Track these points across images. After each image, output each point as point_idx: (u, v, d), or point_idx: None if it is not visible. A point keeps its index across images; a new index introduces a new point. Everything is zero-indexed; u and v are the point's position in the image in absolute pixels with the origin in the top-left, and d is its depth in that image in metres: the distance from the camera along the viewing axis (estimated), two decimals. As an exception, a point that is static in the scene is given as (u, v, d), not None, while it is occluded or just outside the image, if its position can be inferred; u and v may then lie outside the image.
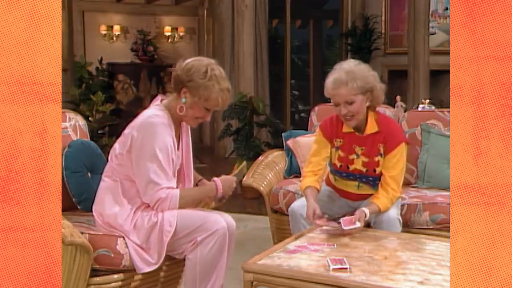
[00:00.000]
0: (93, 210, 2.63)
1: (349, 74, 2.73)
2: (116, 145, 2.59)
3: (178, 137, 2.66)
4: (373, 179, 2.89)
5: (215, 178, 2.64)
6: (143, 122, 2.51)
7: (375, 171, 2.86)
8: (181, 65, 2.56)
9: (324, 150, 2.95)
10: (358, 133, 2.87)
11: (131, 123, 2.57)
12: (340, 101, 2.75)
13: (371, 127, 2.85)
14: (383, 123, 2.87)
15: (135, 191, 2.52)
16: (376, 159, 2.85)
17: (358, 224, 2.62)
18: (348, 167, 2.91)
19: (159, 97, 2.68)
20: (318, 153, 2.97)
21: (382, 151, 2.84)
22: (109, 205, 2.54)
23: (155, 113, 2.54)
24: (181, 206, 2.49)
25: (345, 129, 2.89)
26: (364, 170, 2.87)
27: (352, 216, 2.67)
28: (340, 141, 2.91)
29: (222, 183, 2.61)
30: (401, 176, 2.87)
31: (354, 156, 2.88)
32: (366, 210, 2.71)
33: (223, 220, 2.48)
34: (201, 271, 2.41)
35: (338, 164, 2.93)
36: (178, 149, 2.62)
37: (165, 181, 2.47)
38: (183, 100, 2.53)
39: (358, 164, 2.88)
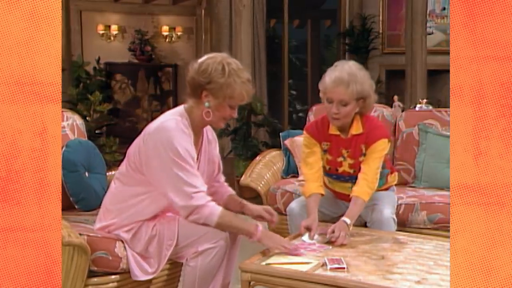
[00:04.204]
0: (102, 205, 2.57)
1: (351, 76, 2.71)
2: (131, 151, 2.45)
3: (198, 150, 2.51)
4: None
5: (258, 223, 2.44)
6: (158, 127, 2.37)
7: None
8: (194, 68, 2.40)
9: (317, 150, 2.93)
10: (343, 135, 2.87)
11: (146, 128, 2.44)
12: (334, 99, 2.73)
13: (356, 129, 2.84)
14: (367, 124, 2.86)
15: (146, 204, 2.43)
16: (361, 159, 2.84)
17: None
18: (337, 170, 2.91)
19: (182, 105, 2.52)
20: (312, 153, 2.94)
21: (364, 151, 2.84)
22: (114, 209, 2.48)
23: (170, 117, 2.40)
24: (216, 225, 2.35)
25: (331, 131, 2.89)
26: (351, 171, 2.87)
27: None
28: (327, 144, 2.91)
29: (264, 235, 2.39)
30: (375, 163, 2.80)
31: (341, 159, 2.88)
32: (347, 220, 2.65)
33: None
34: (200, 279, 2.38)
35: (327, 167, 2.93)
36: (195, 162, 2.45)
37: (200, 184, 2.35)
38: (206, 104, 2.39)
39: (345, 166, 2.88)
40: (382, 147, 2.82)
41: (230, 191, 2.76)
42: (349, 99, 2.72)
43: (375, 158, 2.82)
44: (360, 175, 2.82)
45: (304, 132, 2.99)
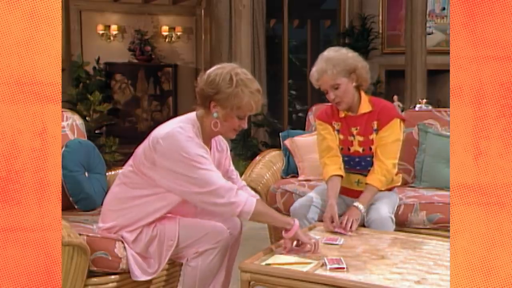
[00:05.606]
0: (103, 206, 2.55)
1: (328, 62, 2.83)
2: (138, 153, 2.43)
3: None
4: (371, 159, 2.93)
5: (296, 219, 2.41)
6: (167, 134, 2.32)
7: (371, 149, 2.92)
8: (203, 79, 2.40)
9: (329, 136, 3.00)
10: (352, 114, 2.95)
11: (154, 131, 2.40)
12: (326, 87, 2.86)
13: (365, 107, 2.93)
14: (376, 103, 2.95)
15: (149, 206, 2.41)
16: (371, 137, 2.91)
17: (340, 241, 2.57)
18: (349, 149, 2.97)
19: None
20: (324, 139, 3.01)
21: (376, 127, 2.90)
22: (117, 210, 2.47)
23: (180, 124, 2.37)
24: (254, 215, 2.31)
25: (341, 114, 2.98)
26: (361, 150, 2.93)
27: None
28: (338, 124, 2.99)
29: (300, 232, 2.37)
30: (392, 148, 2.89)
31: (352, 138, 2.95)
32: (359, 205, 2.77)
33: (226, 229, 2.43)
34: (200, 279, 2.38)
35: (340, 147, 2.99)
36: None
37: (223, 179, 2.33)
38: (215, 115, 2.37)
39: (355, 145, 2.95)
40: (395, 126, 2.88)
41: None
42: (336, 81, 2.83)
43: (392, 143, 2.89)
44: (375, 162, 2.89)
45: (316, 120, 3.09)
